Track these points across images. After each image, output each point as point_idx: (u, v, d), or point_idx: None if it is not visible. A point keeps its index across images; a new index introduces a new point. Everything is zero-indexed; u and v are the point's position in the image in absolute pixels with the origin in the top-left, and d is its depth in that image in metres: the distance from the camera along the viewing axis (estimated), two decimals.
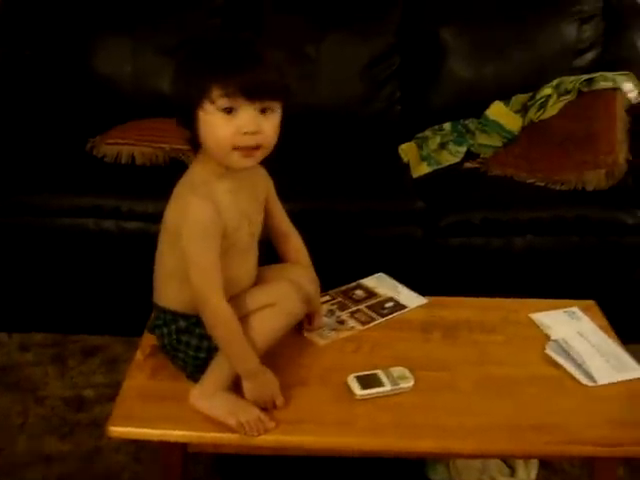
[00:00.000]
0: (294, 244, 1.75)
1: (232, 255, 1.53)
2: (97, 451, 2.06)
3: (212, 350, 1.53)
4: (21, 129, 2.59)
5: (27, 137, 2.59)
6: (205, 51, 1.46)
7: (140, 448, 2.03)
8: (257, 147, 1.46)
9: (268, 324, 1.53)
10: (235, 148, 1.44)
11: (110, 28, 2.86)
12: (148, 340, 1.69)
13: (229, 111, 1.41)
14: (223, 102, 1.41)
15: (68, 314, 2.53)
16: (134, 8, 2.88)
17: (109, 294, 2.48)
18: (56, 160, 2.53)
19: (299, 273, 1.70)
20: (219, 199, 1.48)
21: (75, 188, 2.41)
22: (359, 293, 1.93)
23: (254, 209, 1.60)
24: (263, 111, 1.43)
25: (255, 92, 1.40)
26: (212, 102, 1.41)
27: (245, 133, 1.42)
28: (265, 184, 1.66)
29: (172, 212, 1.52)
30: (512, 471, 1.86)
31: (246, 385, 1.51)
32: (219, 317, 1.47)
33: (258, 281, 1.64)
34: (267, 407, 1.51)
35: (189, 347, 1.55)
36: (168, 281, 1.57)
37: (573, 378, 1.65)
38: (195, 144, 1.50)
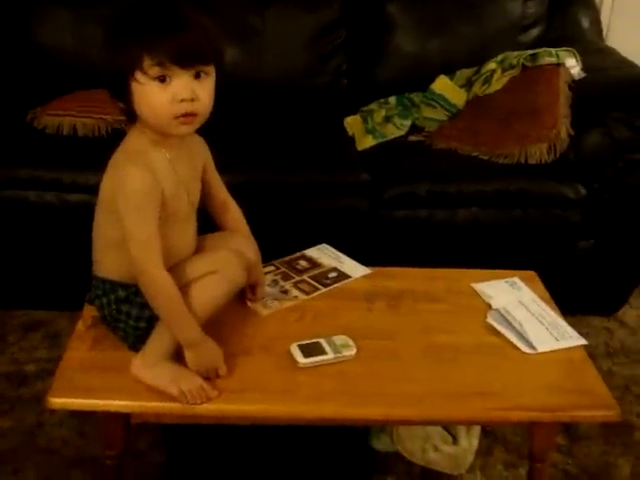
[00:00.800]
0: (233, 213, 1.73)
1: (171, 224, 1.51)
2: (40, 426, 2.04)
3: (153, 319, 1.51)
4: None
5: None
6: (131, 20, 1.41)
7: (83, 422, 2.02)
8: (194, 114, 1.43)
9: (209, 292, 1.51)
10: (175, 118, 1.42)
11: None
12: (89, 311, 1.66)
13: (163, 79, 1.39)
14: (155, 71, 1.38)
15: (8, 289, 2.50)
16: None
17: (51, 268, 2.45)
18: None
19: (239, 241, 1.69)
20: (156, 167, 1.46)
21: (15, 160, 2.36)
22: (303, 263, 1.93)
23: (192, 177, 1.58)
24: (197, 76, 1.41)
25: (187, 58, 1.38)
26: (144, 72, 1.38)
27: (182, 100, 1.40)
28: (203, 152, 1.64)
29: (108, 182, 1.50)
30: (454, 439, 1.88)
31: (188, 354, 1.50)
32: (158, 287, 1.45)
33: (197, 250, 1.62)
34: (210, 376, 1.51)
35: (129, 317, 1.54)
36: (106, 251, 1.55)
37: (514, 346, 1.67)
38: (130, 115, 1.47)
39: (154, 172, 1.45)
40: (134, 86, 1.40)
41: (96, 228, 1.56)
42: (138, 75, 1.38)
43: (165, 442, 1.98)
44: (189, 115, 1.43)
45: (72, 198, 2.30)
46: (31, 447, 1.98)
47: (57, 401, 1.49)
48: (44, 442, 2.00)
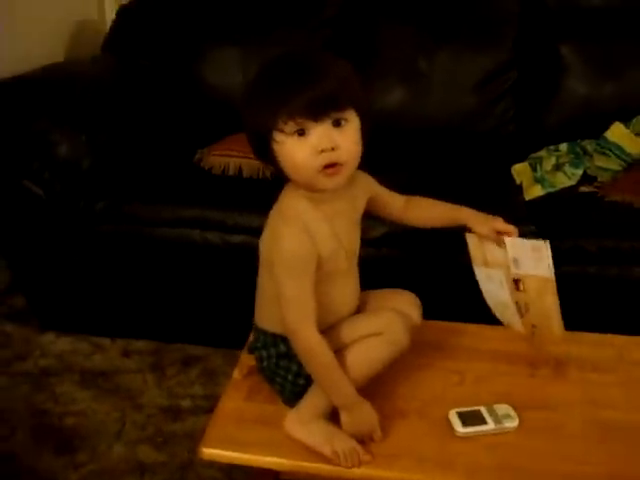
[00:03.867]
0: (417, 203, 1.69)
1: (331, 281, 1.49)
2: (190, 464, 2.06)
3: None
4: (132, 138, 2.62)
5: (138, 146, 2.62)
6: (261, 83, 1.39)
7: (233, 466, 2.00)
8: (337, 164, 1.39)
9: (370, 354, 1.47)
10: (319, 170, 1.38)
11: (221, 38, 2.88)
12: (246, 359, 1.66)
13: (301, 133, 1.36)
14: (291, 127, 1.35)
15: (170, 323, 2.56)
16: (244, 18, 2.90)
17: (211, 305, 2.48)
18: (164, 171, 2.56)
19: (402, 300, 1.64)
20: (313, 228, 1.43)
21: (181, 199, 2.41)
22: None
23: (351, 227, 1.54)
24: (337, 124, 1.37)
25: (318, 109, 1.34)
26: (281, 131, 1.35)
27: (322, 151, 1.36)
28: (366, 189, 1.59)
29: (266, 243, 1.48)
30: None
31: (343, 417, 1.46)
32: (310, 350, 1.43)
33: (360, 308, 1.59)
34: (365, 440, 1.47)
35: (289, 372, 1.52)
36: (269, 305, 1.53)
37: None
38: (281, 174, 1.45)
39: (310, 234, 1.42)
40: (275, 147, 1.38)
41: (259, 282, 1.55)
42: (276, 135, 1.36)
43: None
44: (332, 166, 1.38)
45: (234, 239, 2.32)
46: None
47: (209, 452, 1.49)
48: None
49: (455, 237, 2.28)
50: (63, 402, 2.28)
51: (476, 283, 2.14)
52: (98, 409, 2.26)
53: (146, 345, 2.55)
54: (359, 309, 1.59)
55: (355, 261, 1.58)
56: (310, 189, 1.43)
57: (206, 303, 2.48)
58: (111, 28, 2.99)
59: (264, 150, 1.41)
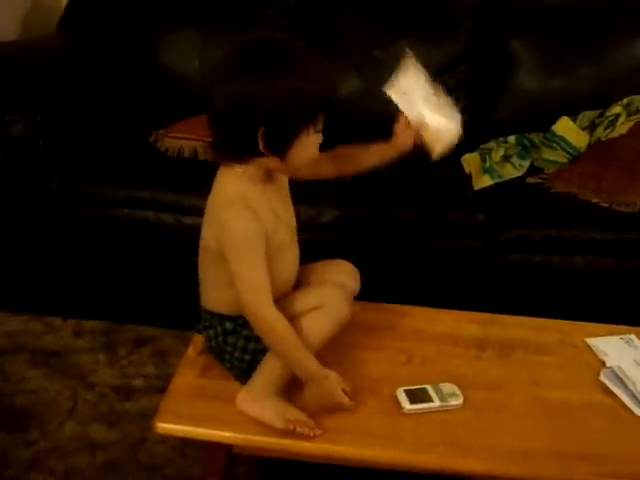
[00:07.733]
0: (345, 151, 1.74)
1: (278, 256, 1.52)
2: (142, 442, 2.07)
3: (258, 352, 1.53)
4: (89, 119, 2.61)
5: (94, 127, 2.61)
6: (306, 76, 1.40)
7: (185, 443, 2.04)
8: None
9: (315, 328, 1.50)
10: None
11: (180, 21, 2.89)
12: (200, 339, 1.69)
13: (319, 130, 1.46)
14: (320, 125, 1.45)
15: (122, 303, 2.56)
16: (205, 2, 2.90)
17: (163, 286, 2.50)
18: (120, 151, 2.56)
19: (340, 270, 1.70)
20: (255, 205, 1.46)
21: (136, 180, 2.42)
22: None
23: (283, 204, 1.59)
24: None
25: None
26: (315, 126, 1.44)
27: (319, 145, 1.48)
28: None
29: (211, 230, 1.51)
30: None
31: (310, 390, 1.50)
32: (274, 328, 1.46)
33: (302, 281, 1.64)
34: (333, 411, 1.51)
35: (235, 349, 1.56)
36: (212, 288, 1.58)
37: (626, 408, 1.61)
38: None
39: (254, 211, 1.45)
40: (302, 138, 1.43)
41: (203, 269, 1.58)
42: (311, 128, 1.43)
43: (262, 470, 1.99)
44: None
45: (188, 221, 2.33)
46: (133, 461, 2.01)
47: (163, 426, 1.52)
48: (146, 458, 2.03)
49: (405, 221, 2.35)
50: (14, 381, 2.28)
51: (423, 266, 2.19)
52: (49, 388, 2.26)
53: (98, 325, 2.55)
54: (298, 281, 1.63)
55: (295, 234, 1.62)
56: (291, 175, 1.54)
57: (159, 284, 2.49)
58: (66, 8, 2.96)
59: (280, 140, 1.42)
